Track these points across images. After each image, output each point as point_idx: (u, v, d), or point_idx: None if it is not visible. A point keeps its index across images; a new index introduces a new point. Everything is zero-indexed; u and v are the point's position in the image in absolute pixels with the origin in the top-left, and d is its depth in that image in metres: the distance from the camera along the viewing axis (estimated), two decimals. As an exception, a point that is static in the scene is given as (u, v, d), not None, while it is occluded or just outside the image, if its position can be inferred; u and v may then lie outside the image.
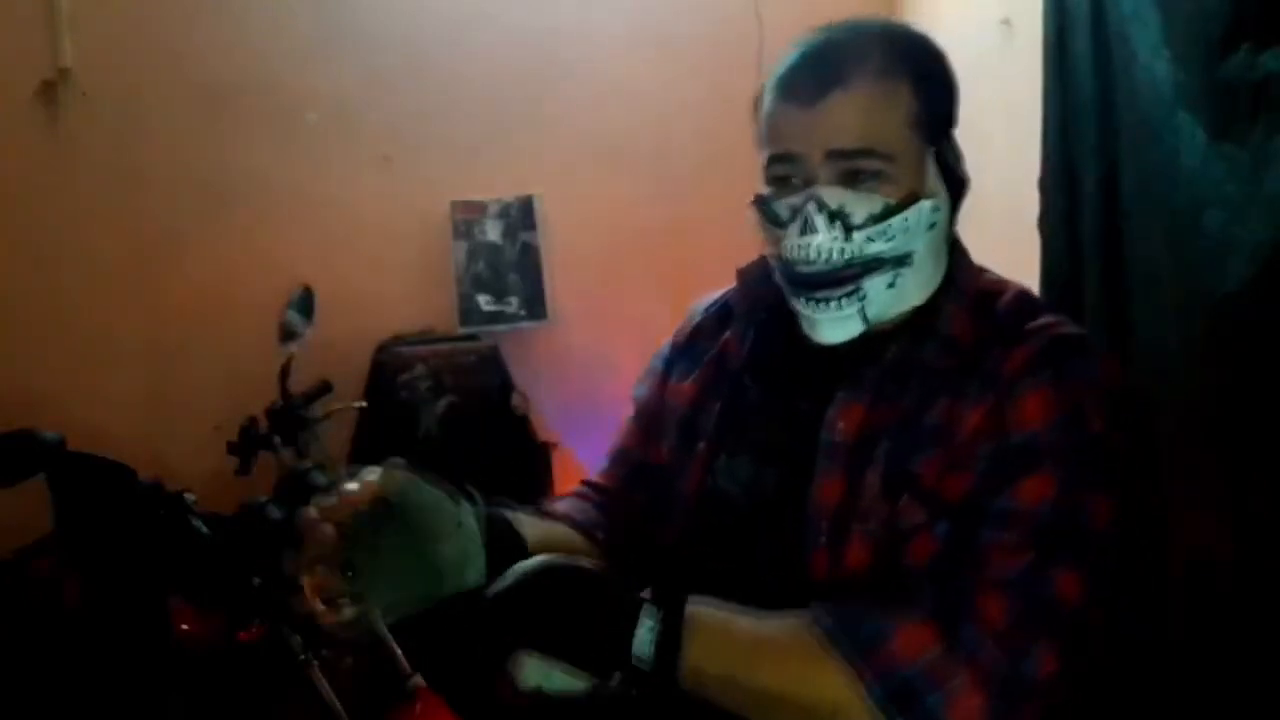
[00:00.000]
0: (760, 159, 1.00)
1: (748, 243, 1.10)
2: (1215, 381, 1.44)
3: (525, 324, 2.86)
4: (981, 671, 0.82)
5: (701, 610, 0.87)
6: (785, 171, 0.97)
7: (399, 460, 0.85)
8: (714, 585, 0.90)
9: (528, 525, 1.00)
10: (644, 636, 0.83)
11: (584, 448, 2.64)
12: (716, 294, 1.17)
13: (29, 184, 2.65)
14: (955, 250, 1.03)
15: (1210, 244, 1.42)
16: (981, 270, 1.05)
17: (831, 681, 0.83)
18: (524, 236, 2.86)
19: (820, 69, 0.95)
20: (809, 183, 0.94)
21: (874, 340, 0.98)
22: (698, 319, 1.17)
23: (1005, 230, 2.19)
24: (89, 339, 2.68)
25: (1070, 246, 1.82)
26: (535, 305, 2.86)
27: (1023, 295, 1.00)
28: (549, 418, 2.78)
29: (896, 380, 0.95)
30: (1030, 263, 1.93)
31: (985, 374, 0.92)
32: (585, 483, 1.19)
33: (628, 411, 1.19)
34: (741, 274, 1.11)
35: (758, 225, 1.01)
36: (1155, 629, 1.59)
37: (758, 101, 1.01)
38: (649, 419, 1.14)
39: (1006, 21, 2.26)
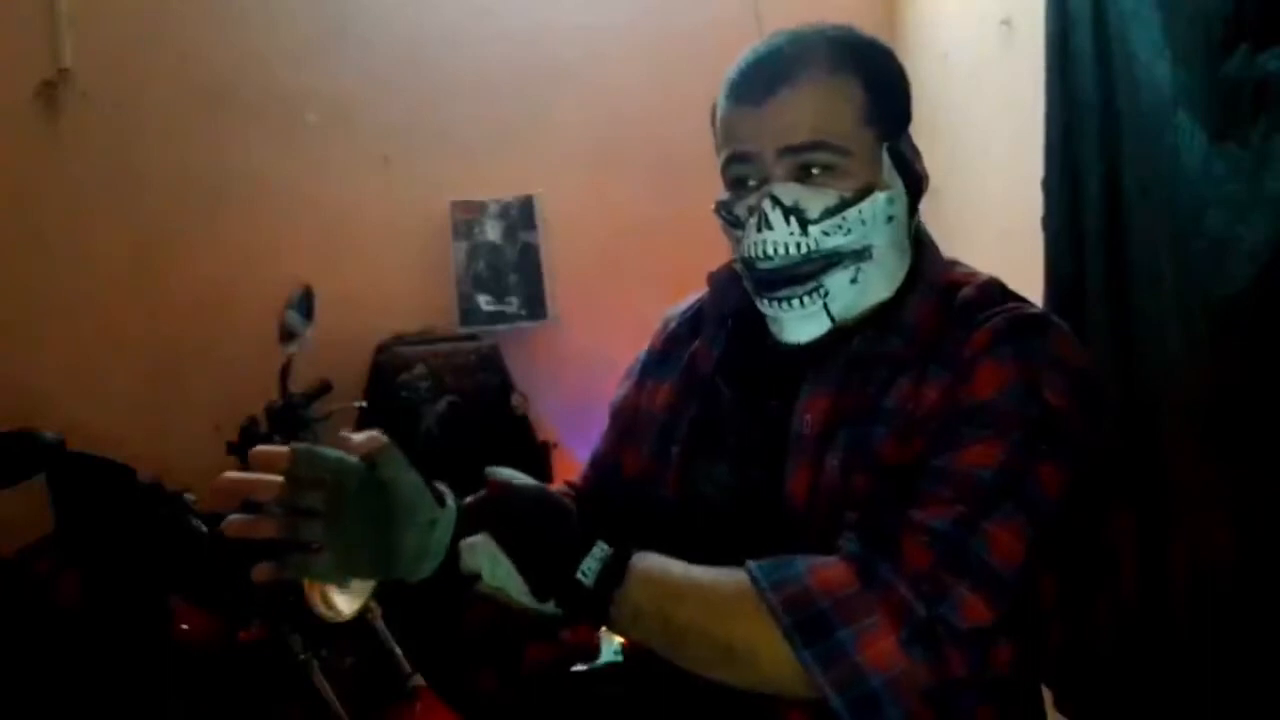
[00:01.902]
0: (718, 165, 1.01)
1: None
2: (1216, 381, 1.44)
3: (525, 324, 2.86)
4: (894, 610, 0.81)
5: (648, 555, 0.89)
6: (741, 173, 0.98)
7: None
8: None
9: None
10: (594, 556, 0.86)
11: (584, 447, 2.60)
12: (688, 300, 1.18)
13: (29, 184, 2.65)
14: (922, 245, 1.04)
15: (1211, 244, 1.42)
16: (953, 263, 1.05)
17: (748, 619, 0.84)
18: (524, 236, 2.86)
19: (769, 69, 0.96)
20: (764, 181, 0.96)
21: (839, 335, 0.99)
22: (672, 326, 1.17)
23: (1006, 230, 2.20)
24: (89, 338, 2.68)
25: (1074, 246, 1.82)
26: (535, 305, 2.86)
27: (988, 283, 1.00)
28: (549, 417, 2.78)
29: (860, 371, 0.96)
30: (1032, 262, 1.93)
31: (945, 357, 0.93)
32: (566, 483, 1.21)
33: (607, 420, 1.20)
34: (711, 278, 1.12)
35: (721, 230, 1.03)
36: (1155, 629, 1.59)
37: (714, 111, 1.02)
38: (623, 425, 1.15)
39: (1006, 21, 2.26)
